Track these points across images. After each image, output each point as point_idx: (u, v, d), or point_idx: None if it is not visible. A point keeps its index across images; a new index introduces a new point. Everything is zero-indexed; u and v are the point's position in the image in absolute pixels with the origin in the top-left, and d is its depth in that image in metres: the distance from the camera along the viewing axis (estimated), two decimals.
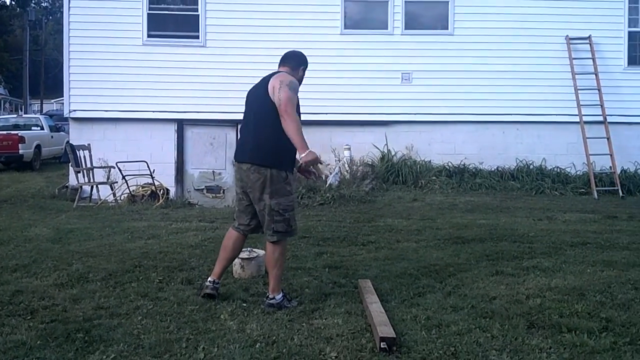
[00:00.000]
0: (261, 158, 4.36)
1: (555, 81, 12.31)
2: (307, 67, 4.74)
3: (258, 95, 4.47)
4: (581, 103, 12.06)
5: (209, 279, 4.64)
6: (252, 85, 4.66)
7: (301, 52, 4.78)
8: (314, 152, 4.31)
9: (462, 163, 12.24)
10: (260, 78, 4.60)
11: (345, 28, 12.51)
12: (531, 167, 12.21)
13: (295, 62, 4.69)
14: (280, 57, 4.73)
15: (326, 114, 12.23)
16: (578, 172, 12.21)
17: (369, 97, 12.36)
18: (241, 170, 4.50)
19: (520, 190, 11.35)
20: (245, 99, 4.66)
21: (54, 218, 8.81)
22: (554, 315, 4.13)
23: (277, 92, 4.30)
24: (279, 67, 4.68)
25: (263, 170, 4.34)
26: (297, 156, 4.41)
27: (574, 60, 12.26)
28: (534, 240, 6.77)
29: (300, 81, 4.61)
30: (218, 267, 4.64)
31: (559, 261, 5.73)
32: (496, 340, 3.73)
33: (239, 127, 4.67)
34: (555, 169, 12.19)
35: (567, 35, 12.40)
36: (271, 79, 4.41)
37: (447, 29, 12.61)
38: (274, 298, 4.40)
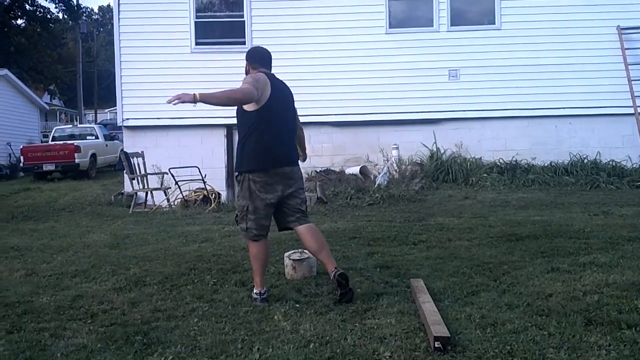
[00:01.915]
0: (298, 160, 4.83)
1: (608, 72, 12.02)
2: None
3: (291, 103, 4.77)
4: (635, 94, 11.73)
5: (254, 291, 4.66)
6: (281, 84, 4.71)
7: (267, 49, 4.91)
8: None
9: (514, 159, 12.05)
10: (277, 78, 4.71)
11: (390, 27, 12.48)
12: (585, 161, 11.93)
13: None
14: (267, 57, 4.84)
15: (373, 114, 12.22)
16: (634, 165, 11.87)
17: (416, 96, 12.29)
18: (290, 173, 4.61)
19: (575, 185, 11.09)
20: (280, 96, 4.64)
21: (111, 224, 9.06)
22: (612, 312, 4.02)
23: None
24: (265, 68, 4.74)
25: (299, 168, 4.76)
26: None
27: (626, 51, 11.92)
28: (590, 235, 6.61)
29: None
30: (258, 277, 4.65)
31: (616, 256, 5.58)
32: (553, 338, 3.66)
33: (273, 129, 4.57)
34: (611, 163, 11.87)
35: (619, 25, 12.07)
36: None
37: (494, 23, 12.44)
38: (337, 269, 4.51)
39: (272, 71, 4.77)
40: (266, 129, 4.49)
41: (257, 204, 4.51)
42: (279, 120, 4.59)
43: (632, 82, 11.76)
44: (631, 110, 11.75)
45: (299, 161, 4.86)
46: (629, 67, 11.85)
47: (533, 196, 10.03)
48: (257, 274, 4.64)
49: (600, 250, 5.86)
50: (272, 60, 4.81)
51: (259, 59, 4.77)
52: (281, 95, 4.65)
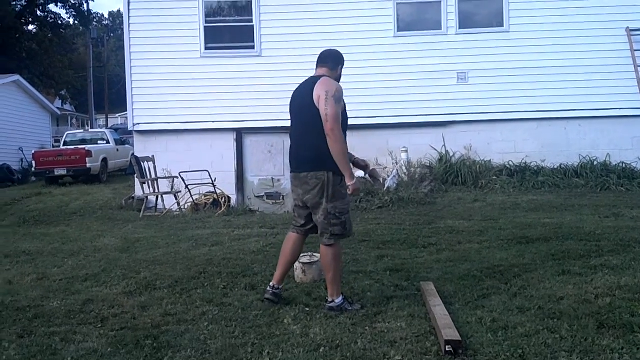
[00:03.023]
0: (319, 165, 4.40)
1: (617, 74, 11.95)
2: (344, 64, 4.75)
3: (304, 105, 4.46)
4: None
5: (270, 283, 4.70)
6: (297, 90, 4.65)
7: (338, 51, 4.74)
8: (358, 182, 4.47)
9: (524, 161, 12.00)
10: (307, 80, 4.60)
11: (398, 30, 12.47)
12: (595, 163, 11.87)
13: (333, 62, 4.67)
14: (318, 57, 4.72)
15: (382, 117, 12.23)
16: None
17: (425, 99, 12.27)
18: (298, 179, 4.53)
19: (585, 188, 11.03)
20: (290, 105, 4.68)
21: (122, 228, 9.09)
22: (624, 315, 3.99)
23: (322, 104, 4.32)
24: (317, 67, 4.67)
25: (320, 175, 4.39)
26: (347, 181, 4.40)
27: (635, 52, 11.85)
28: (601, 238, 6.57)
29: (338, 79, 4.63)
30: (278, 271, 4.68)
31: (627, 259, 5.55)
32: (565, 341, 3.64)
33: (290, 135, 4.69)
34: (621, 165, 11.79)
35: (628, 27, 12.01)
36: (316, 86, 4.39)
37: (502, 26, 12.41)
38: (333, 301, 4.41)
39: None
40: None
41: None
42: (292, 124, 4.67)
43: None
44: None
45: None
46: (639, 68, 11.78)
47: (543, 198, 9.99)
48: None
49: (612, 253, 5.82)
50: (320, 58, 4.71)
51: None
52: (294, 98, 4.65)
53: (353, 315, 4.28)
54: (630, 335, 3.67)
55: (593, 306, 4.22)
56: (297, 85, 4.68)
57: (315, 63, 4.70)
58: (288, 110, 4.69)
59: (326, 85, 4.39)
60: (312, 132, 4.40)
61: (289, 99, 4.68)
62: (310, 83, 4.49)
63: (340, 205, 4.43)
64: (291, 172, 4.67)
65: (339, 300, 4.41)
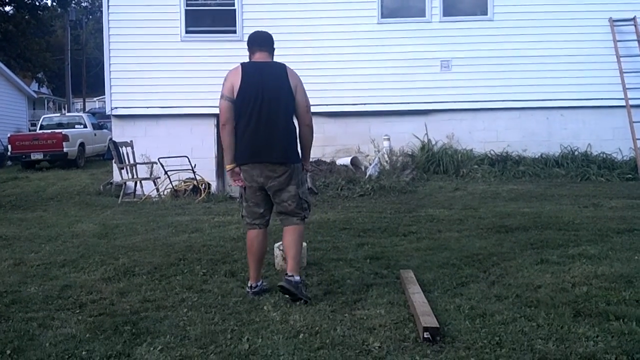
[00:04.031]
0: (292, 156, 4.45)
1: (600, 65, 12.02)
2: None
3: (281, 91, 4.35)
4: (627, 86, 11.75)
5: (249, 284, 4.62)
6: (263, 73, 4.41)
7: (268, 32, 4.67)
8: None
9: (505, 151, 12.07)
10: (262, 63, 4.50)
11: (382, 17, 12.42)
12: (576, 153, 11.97)
13: (272, 46, 4.61)
14: (253, 39, 4.63)
15: (365, 104, 12.21)
16: (625, 158, 11.91)
17: (408, 87, 12.26)
18: (268, 167, 4.36)
19: (565, 177, 11.13)
20: (250, 86, 4.36)
21: (100, 214, 9.01)
22: (600, 303, 4.04)
23: (301, 94, 4.42)
24: (255, 51, 4.55)
25: (290, 164, 4.41)
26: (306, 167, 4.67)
27: (618, 43, 11.94)
28: (579, 227, 6.64)
29: None
30: (252, 272, 4.60)
31: (605, 248, 5.61)
32: (542, 329, 3.67)
33: (253, 119, 4.36)
34: (601, 155, 11.91)
35: (611, 17, 12.08)
36: (290, 75, 4.41)
37: (486, 14, 12.41)
38: (293, 276, 4.33)
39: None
40: (239, 121, 4.41)
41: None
42: (259, 108, 4.36)
43: (624, 75, 11.78)
44: (622, 103, 11.78)
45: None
46: (621, 59, 11.87)
47: (523, 188, 10.06)
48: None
49: (590, 242, 5.89)
50: (257, 42, 4.59)
51: (249, 43, 4.66)
52: (258, 79, 4.38)
53: (332, 302, 4.29)
54: (605, 324, 3.71)
55: (570, 295, 4.26)
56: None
57: (252, 46, 4.59)
58: (232, 94, 4.40)
59: (297, 75, 4.48)
60: (291, 120, 4.45)
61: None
62: (279, 70, 4.44)
63: (305, 189, 4.60)
64: (261, 161, 4.39)
65: (298, 278, 4.34)
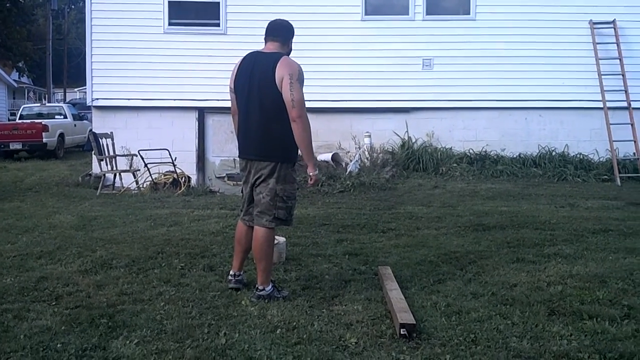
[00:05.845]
0: (272, 155, 4.22)
1: (579, 66, 12.13)
2: (294, 36, 4.44)
3: (265, 84, 4.15)
4: (605, 89, 11.87)
5: (230, 272, 4.62)
6: (251, 65, 4.30)
7: (288, 21, 4.41)
8: (317, 172, 4.40)
9: (484, 150, 12.15)
10: (257, 53, 4.35)
11: (366, 14, 12.43)
12: (554, 153, 12.09)
13: (285, 35, 4.36)
14: (266, 29, 4.38)
15: (346, 100, 12.21)
16: (601, 159, 12.06)
17: (390, 84, 12.28)
18: (254, 166, 4.31)
19: (542, 177, 11.25)
20: (239, 80, 4.35)
21: (78, 206, 8.93)
22: (575, 303, 4.10)
23: (287, 88, 4.07)
24: (267, 41, 4.35)
25: (271, 162, 4.24)
26: (309, 171, 4.37)
27: (597, 45, 12.07)
28: (555, 227, 6.72)
29: (289, 54, 4.34)
30: (236, 260, 4.60)
31: (580, 248, 5.69)
32: (516, 327, 3.73)
33: (242, 112, 4.34)
34: (578, 156, 12.05)
35: (591, 20, 12.21)
36: (278, 66, 4.10)
37: (468, 13, 12.47)
38: (264, 289, 4.27)
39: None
40: (238, 113, 4.44)
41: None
42: (245, 103, 4.34)
43: (602, 77, 11.92)
44: (600, 105, 11.92)
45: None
46: (600, 61, 12.00)
47: (501, 187, 10.15)
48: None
49: (565, 242, 5.97)
50: (269, 31, 4.36)
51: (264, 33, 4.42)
52: (247, 73, 4.31)
53: (310, 298, 4.31)
54: (579, 323, 3.77)
55: (545, 293, 4.32)
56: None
57: (265, 36, 4.37)
58: (232, 85, 4.41)
59: (289, 66, 4.13)
60: (276, 117, 4.18)
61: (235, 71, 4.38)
62: (270, 60, 4.18)
63: (289, 189, 4.29)
64: (248, 158, 4.37)
65: (269, 288, 4.28)
